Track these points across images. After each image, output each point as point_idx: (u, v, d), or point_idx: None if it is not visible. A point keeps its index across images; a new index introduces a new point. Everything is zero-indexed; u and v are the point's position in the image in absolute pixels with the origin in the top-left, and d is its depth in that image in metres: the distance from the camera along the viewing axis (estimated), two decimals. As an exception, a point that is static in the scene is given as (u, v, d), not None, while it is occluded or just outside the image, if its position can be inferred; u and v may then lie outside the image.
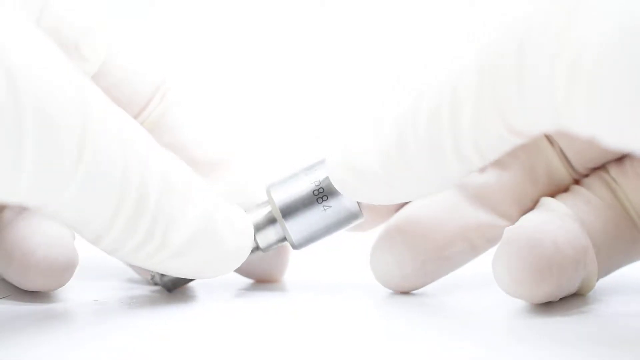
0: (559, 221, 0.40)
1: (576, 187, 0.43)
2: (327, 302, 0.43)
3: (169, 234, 0.38)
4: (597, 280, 0.42)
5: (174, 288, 0.44)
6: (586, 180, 0.43)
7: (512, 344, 0.36)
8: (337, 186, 0.40)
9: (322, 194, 0.41)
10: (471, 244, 0.43)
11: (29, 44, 0.34)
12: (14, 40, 0.34)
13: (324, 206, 0.41)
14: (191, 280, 0.43)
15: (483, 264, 0.42)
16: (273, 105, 0.79)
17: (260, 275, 0.46)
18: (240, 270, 0.44)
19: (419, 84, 0.36)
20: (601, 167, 0.43)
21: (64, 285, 0.42)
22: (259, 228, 0.42)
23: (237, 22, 0.79)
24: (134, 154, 0.37)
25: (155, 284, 0.44)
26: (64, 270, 0.42)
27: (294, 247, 0.42)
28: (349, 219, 0.42)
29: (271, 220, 0.42)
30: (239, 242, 0.41)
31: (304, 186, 0.42)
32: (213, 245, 0.40)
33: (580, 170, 0.43)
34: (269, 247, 0.43)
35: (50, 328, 0.38)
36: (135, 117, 0.44)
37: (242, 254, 0.41)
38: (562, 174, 0.43)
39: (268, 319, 0.40)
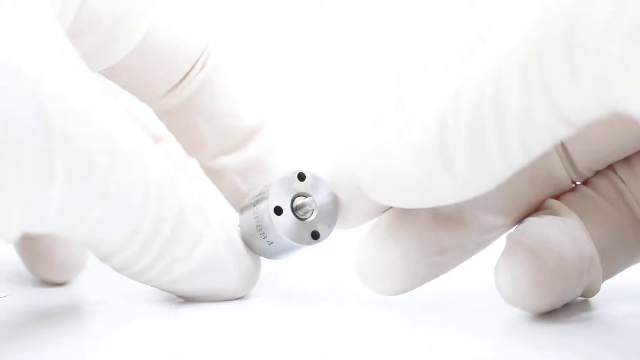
0: (564, 228, 0.39)
1: (583, 187, 0.42)
2: (329, 303, 0.43)
3: (171, 267, 0.39)
4: (605, 279, 0.41)
5: None
6: (593, 180, 0.42)
7: (514, 346, 0.36)
8: (367, 192, 0.38)
9: (261, 230, 0.41)
10: (465, 249, 0.41)
11: (60, 70, 0.34)
12: (45, 68, 0.34)
13: (267, 241, 0.41)
14: None
15: (483, 266, 0.42)
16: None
17: None
18: None
19: (459, 73, 0.34)
20: (608, 167, 0.42)
21: (74, 278, 0.47)
22: None
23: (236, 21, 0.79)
24: (154, 184, 0.37)
25: None
26: (75, 268, 0.46)
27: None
28: (295, 248, 0.41)
29: None
30: (245, 276, 0.42)
31: (250, 220, 0.42)
32: (216, 279, 0.40)
33: (583, 172, 0.41)
34: None
35: (52, 328, 0.38)
36: (176, 86, 0.44)
37: (247, 287, 0.42)
38: (562, 174, 0.41)
39: (270, 319, 0.40)
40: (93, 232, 0.36)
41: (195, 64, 0.44)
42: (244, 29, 0.78)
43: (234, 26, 0.78)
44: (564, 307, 0.40)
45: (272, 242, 0.41)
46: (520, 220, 0.41)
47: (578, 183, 0.42)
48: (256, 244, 0.42)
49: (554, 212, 0.41)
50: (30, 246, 0.46)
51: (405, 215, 0.40)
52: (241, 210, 0.42)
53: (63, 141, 0.34)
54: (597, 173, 0.42)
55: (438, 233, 0.40)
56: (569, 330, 0.37)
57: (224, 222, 0.41)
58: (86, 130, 0.34)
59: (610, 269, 0.41)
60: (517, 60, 0.32)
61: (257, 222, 0.41)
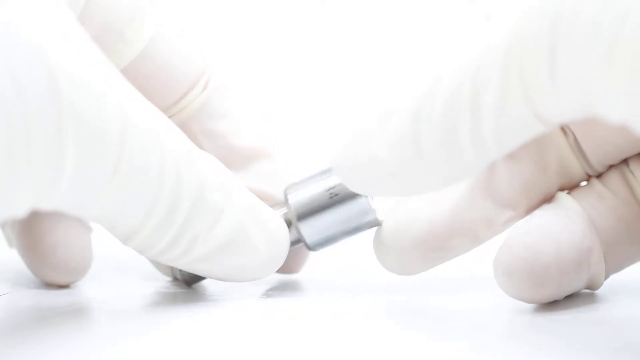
0: (565, 221, 0.40)
1: (594, 180, 0.42)
2: (329, 301, 0.43)
3: (193, 245, 0.38)
4: (608, 276, 0.41)
5: (192, 283, 0.44)
6: (606, 174, 0.42)
7: (515, 341, 0.36)
8: (342, 180, 0.39)
9: (335, 197, 0.41)
10: (475, 236, 0.42)
11: (71, 45, 0.34)
12: (56, 42, 0.34)
13: (338, 211, 0.41)
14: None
15: (487, 260, 0.42)
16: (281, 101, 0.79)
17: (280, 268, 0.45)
18: None
19: (438, 66, 0.34)
20: (623, 162, 0.42)
21: (78, 280, 0.45)
22: None
23: (234, 21, 0.79)
24: (170, 160, 0.37)
25: (175, 278, 0.44)
26: (79, 270, 0.45)
27: (309, 248, 0.43)
28: (364, 223, 0.42)
29: (287, 222, 0.42)
30: (273, 252, 0.41)
31: (319, 190, 0.42)
32: (242, 255, 0.40)
33: (596, 166, 0.41)
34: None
35: (53, 329, 0.38)
36: (176, 103, 0.44)
37: (276, 263, 0.41)
38: (575, 167, 0.41)
39: (274, 318, 0.40)
40: (108, 210, 0.36)
41: (195, 84, 0.44)
42: (245, 30, 0.78)
43: (235, 26, 0.78)
44: (569, 300, 0.40)
45: (343, 211, 0.41)
46: (532, 210, 0.42)
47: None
48: (316, 218, 0.41)
49: (560, 205, 0.41)
50: (34, 248, 0.45)
51: (419, 202, 0.41)
52: (291, 188, 0.42)
53: (74, 115, 0.33)
54: (612, 167, 0.42)
55: (449, 222, 0.41)
56: (569, 325, 0.38)
57: (249, 198, 0.40)
58: (97, 105, 0.34)
59: (616, 262, 0.41)
60: (498, 55, 0.33)
61: (332, 188, 0.41)
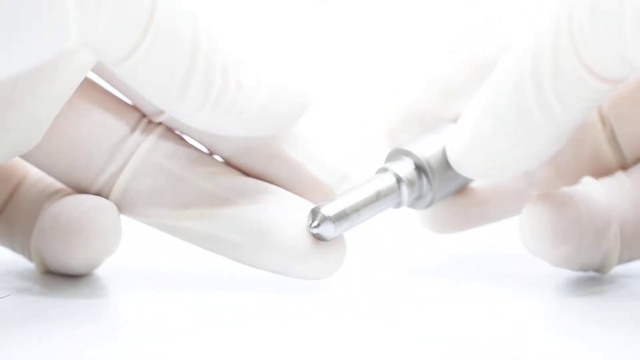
0: (587, 192, 0.42)
1: (617, 172, 0.43)
2: (329, 302, 0.43)
3: (241, 74, 0.38)
4: (622, 262, 0.42)
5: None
6: (631, 166, 0.44)
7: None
8: (452, 164, 0.41)
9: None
10: (507, 204, 0.45)
11: None
12: None
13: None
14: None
15: (511, 250, 0.45)
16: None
17: None
18: None
19: (511, 46, 0.38)
20: None
21: (109, 256, 0.42)
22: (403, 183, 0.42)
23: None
24: (200, 4, 0.37)
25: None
26: (111, 235, 0.42)
27: (427, 205, 0.43)
28: (469, 179, 0.43)
29: (408, 180, 0.42)
30: (306, 83, 0.40)
31: (439, 145, 0.42)
32: (283, 82, 0.40)
33: (629, 158, 0.44)
34: (401, 204, 0.42)
35: (53, 327, 0.38)
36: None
37: (311, 93, 0.41)
38: (609, 157, 0.44)
39: (272, 320, 0.39)
40: (152, 61, 0.37)
41: None
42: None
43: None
44: (590, 285, 0.42)
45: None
46: None
47: None
48: (443, 171, 0.42)
49: (583, 182, 0.43)
50: (58, 222, 0.42)
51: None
52: (408, 145, 0.42)
53: None
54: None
55: (480, 194, 0.45)
56: (605, 308, 0.39)
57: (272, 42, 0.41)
58: None
59: (630, 246, 0.42)
60: (550, 21, 0.37)
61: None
